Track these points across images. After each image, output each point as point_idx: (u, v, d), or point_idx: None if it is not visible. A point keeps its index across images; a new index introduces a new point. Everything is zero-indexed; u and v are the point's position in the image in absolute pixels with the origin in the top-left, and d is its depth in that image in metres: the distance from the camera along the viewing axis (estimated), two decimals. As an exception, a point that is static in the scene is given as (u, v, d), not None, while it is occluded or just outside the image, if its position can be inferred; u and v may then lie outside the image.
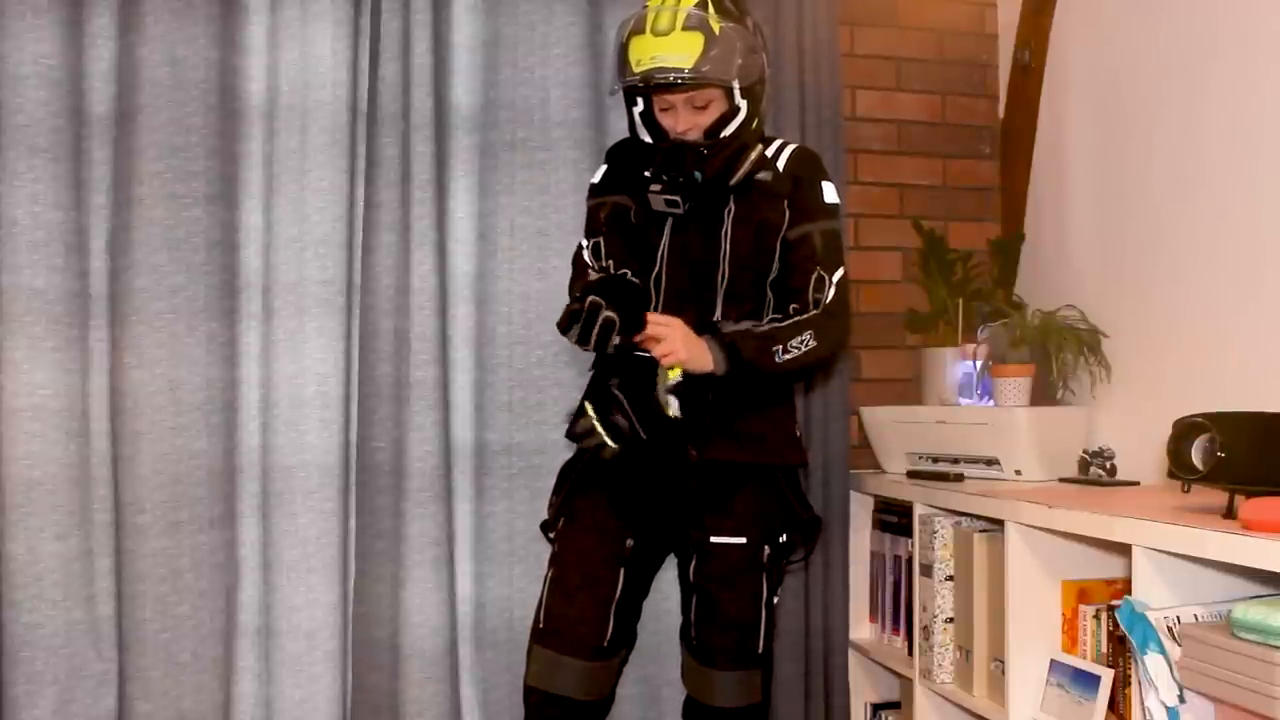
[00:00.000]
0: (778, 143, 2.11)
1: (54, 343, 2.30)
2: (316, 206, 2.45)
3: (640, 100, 2.00)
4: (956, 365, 2.73)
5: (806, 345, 1.96)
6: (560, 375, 2.53)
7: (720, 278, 2.02)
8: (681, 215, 2.03)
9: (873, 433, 2.82)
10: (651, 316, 1.90)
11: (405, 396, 2.47)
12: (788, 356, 1.95)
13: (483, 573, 2.56)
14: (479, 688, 2.55)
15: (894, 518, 2.73)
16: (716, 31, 1.90)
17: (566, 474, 2.14)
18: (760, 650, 2.02)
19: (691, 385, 1.92)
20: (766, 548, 2.01)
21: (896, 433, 2.73)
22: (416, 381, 2.46)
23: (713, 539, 1.99)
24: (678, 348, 1.88)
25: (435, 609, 2.45)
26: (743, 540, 1.99)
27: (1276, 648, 1.55)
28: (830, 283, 2.02)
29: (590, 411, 1.90)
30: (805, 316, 1.99)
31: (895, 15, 3.03)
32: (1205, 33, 2.35)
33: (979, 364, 2.63)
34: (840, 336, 2.06)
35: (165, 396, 2.35)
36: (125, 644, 2.34)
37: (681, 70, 1.89)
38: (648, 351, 1.89)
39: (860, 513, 2.85)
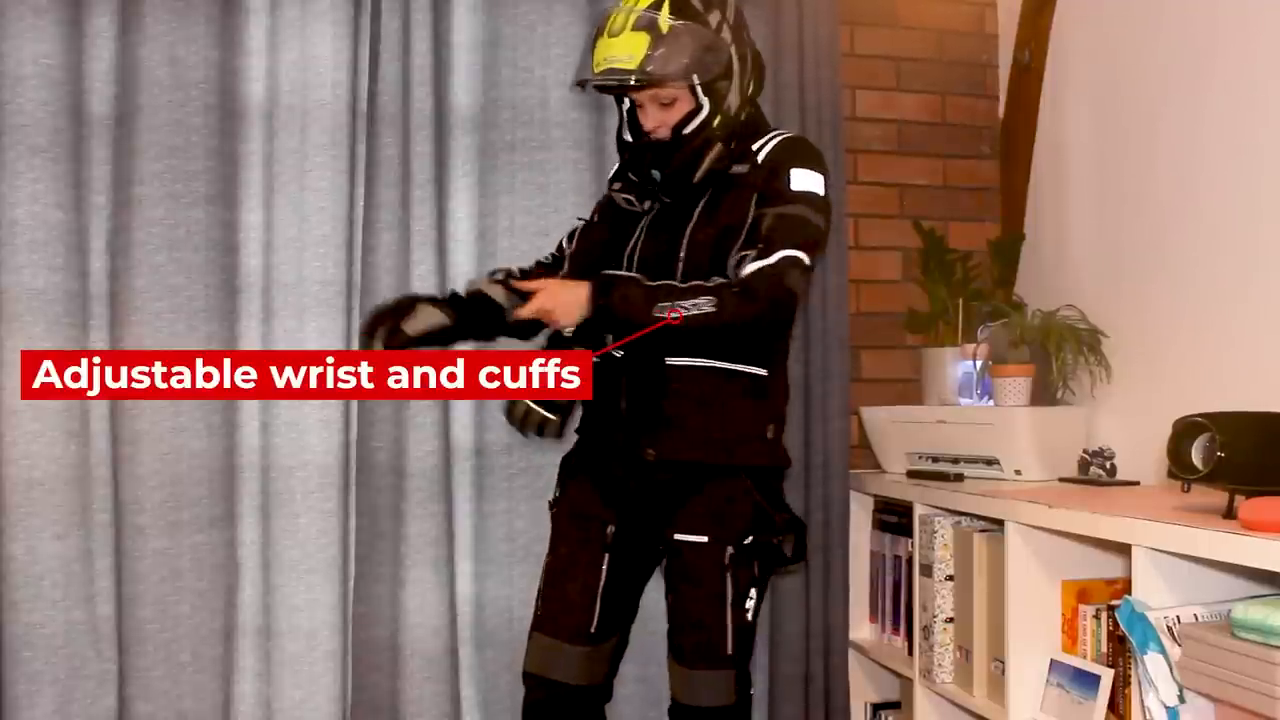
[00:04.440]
0: (769, 134, 2.04)
1: (54, 343, 2.30)
2: (316, 206, 2.45)
3: (627, 99, 2.01)
4: (956, 365, 2.73)
5: (700, 309, 1.85)
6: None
7: (677, 276, 1.96)
8: (658, 212, 2.03)
9: (873, 433, 2.82)
10: (525, 285, 1.96)
11: (405, 396, 2.47)
12: (669, 316, 1.85)
13: (483, 573, 2.56)
14: (479, 688, 2.55)
15: (894, 518, 2.73)
16: (664, 30, 1.88)
17: (564, 462, 2.16)
18: (729, 652, 1.96)
19: (644, 382, 1.97)
20: (729, 549, 1.95)
21: (896, 433, 2.73)
22: (416, 381, 2.47)
23: (676, 536, 1.97)
24: (556, 317, 1.91)
25: (435, 609, 2.45)
26: (703, 539, 1.95)
27: (1276, 648, 1.55)
28: (754, 260, 1.88)
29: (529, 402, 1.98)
30: (710, 283, 1.89)
31: (895, 15, 3.03)
32: (1205, 32, 2.35)
33: (979, 364, 2.63)
34: (753, 313, 1.87)
35: (165, 396, 2.35)
36: (125, 644, 2.34)
37: (627, 70, 1.89)
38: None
39: (860, 513, 2.85)
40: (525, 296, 1.95)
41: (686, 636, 1.98)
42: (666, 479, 1.99)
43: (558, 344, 1.98)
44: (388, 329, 1.97)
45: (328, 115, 2.45)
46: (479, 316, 2.03)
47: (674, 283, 1.91)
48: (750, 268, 1.88)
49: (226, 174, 2.42)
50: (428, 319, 1.98)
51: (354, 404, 2.50)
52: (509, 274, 2.13)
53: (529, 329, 2.03)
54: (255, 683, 2.45)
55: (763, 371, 2.01)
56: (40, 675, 2.29)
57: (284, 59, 2.46)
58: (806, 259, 1.91)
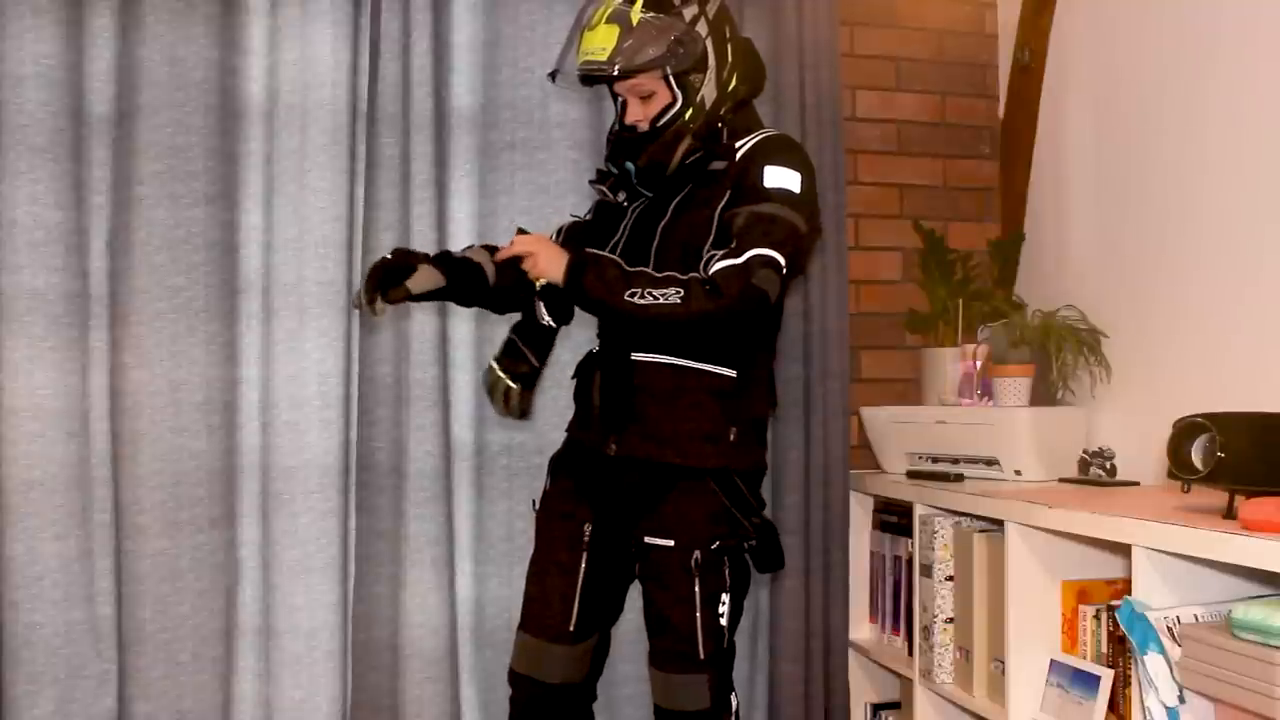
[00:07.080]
0: (755, 133, 2.01)
1: (54, 343, 2.30)
2: (316, 207, 2.45)
3: (621, 95, 2.02)
4: (956, 365, 2.73)
5: (667, 299, 1.82)
6: (560, 375, 2.52)
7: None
8: (643, 209, 2.03)
9: (873, 433, 2.82)
10: (519, 238, 1.97)
11: (405, 397, 2.47)
12: (638, 301, 1.82)
13: (483, 573, 2.56)
14: (479, 688, 2.55)
15: (894, 518, 2.73)
16: (634, 23, 1.89)
17: (551, 462, 2.16)
18: (702, 657, 1.92)
19: (615, 378, 1.97)
20: (697, 552, 1.92)
21: (896, 433, 2.73)
22: (416, 381, 2.47)
23: (646, 539, 1.96)
24: (538, 261, 1.91)
25: (435, 609, 2.45)
26: (670, 543, 1.93)
27: (1276, 648, 1.55)
28: (723, 259, 1.83)
29: (493, 362, 2.02)
30: (683, 276, 1.85)
31: (895, 15, 3.03)
32: (1205, 32, 2.35)
33: (979, 364, 2.63)
34: (717, 309, 1.81)
35: (165, 397, 2.35)
36: (125, 644, 2.34)
37: (599, 63, 1.90)
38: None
39: (860, 513, 2.85)
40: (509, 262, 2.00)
41: (660, 640, 1.97)
42: (636, 479, 1.97)
43: (531, 309, 2.02)
44: (391, 287, 1.95)
45: (328, 115, 2.45)
46: (464, 281, 2.04)
47: (650, 270, 1.89)
48: (718, 265, 1.83)
49: (226, 174, 2.42)
50: (429, 279, 1.98)
51: (354, 404, 2.50)
52: (489, 247, 2.16)
53: (503, 301, 2.09)
54: (255, 683, 2.45)
55: (731, 373, 1.96)
56: (40, 675, 2.29)
57: (284, 59, 2.46)
58: (779, 258, 1.85)
